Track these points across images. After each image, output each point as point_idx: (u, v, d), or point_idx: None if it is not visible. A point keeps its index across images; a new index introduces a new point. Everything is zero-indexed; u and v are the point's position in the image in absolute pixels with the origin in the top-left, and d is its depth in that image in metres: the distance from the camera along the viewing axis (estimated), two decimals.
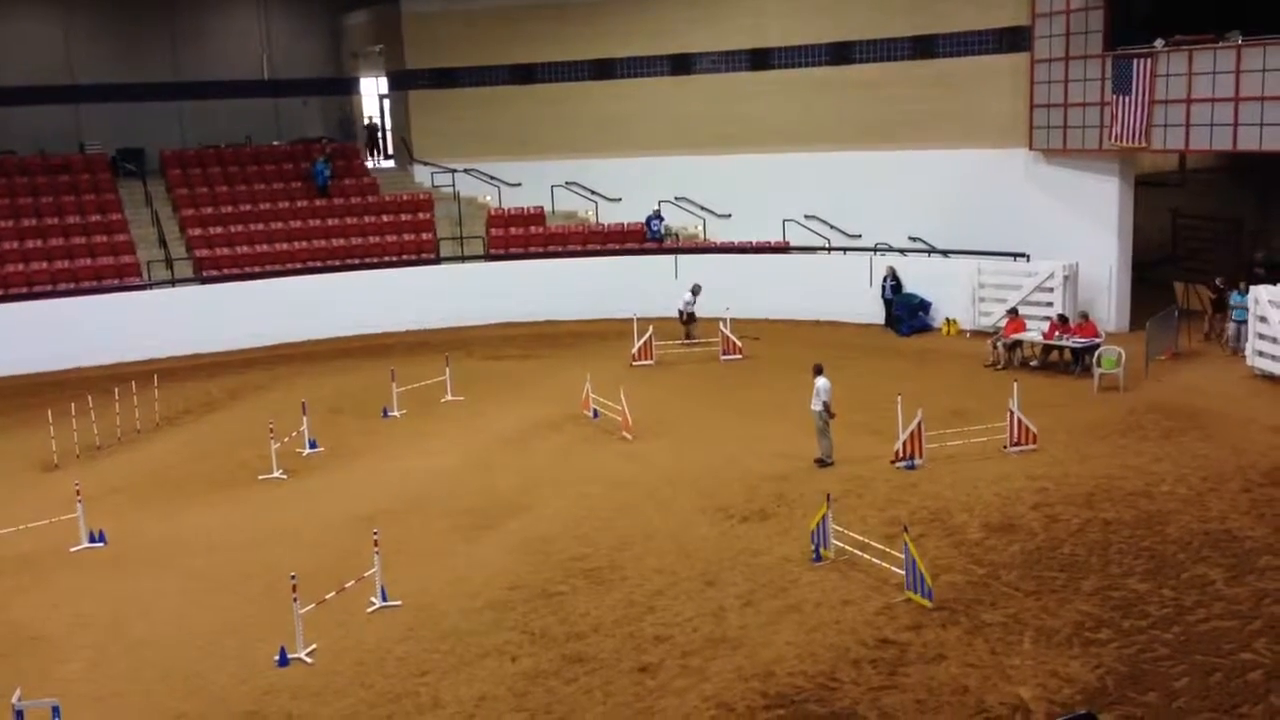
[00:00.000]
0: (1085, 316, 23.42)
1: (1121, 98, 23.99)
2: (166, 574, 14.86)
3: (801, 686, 11.29)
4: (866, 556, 14.00)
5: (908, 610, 12.76)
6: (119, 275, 28.46)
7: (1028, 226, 26.67)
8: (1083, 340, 22.58)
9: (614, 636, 12.55)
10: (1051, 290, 25.33)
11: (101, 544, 15.86)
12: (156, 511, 17.20)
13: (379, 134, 36.11)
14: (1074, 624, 12.26)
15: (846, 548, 14.24)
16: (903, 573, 13.22)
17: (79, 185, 30.92)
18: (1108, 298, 25.99)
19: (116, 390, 22.36)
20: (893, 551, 13.70)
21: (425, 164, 34.12)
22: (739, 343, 25.28)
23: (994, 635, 12.11)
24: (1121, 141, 24.23)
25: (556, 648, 12.38)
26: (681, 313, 26.67)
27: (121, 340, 27.12)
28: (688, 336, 26.39)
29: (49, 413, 20.30)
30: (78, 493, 16.06)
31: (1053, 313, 24.42)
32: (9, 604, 14.12)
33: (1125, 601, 12.73)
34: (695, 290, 26.68)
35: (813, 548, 14.31)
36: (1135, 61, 23.65)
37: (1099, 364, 21.56)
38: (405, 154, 35.27)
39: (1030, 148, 26.63)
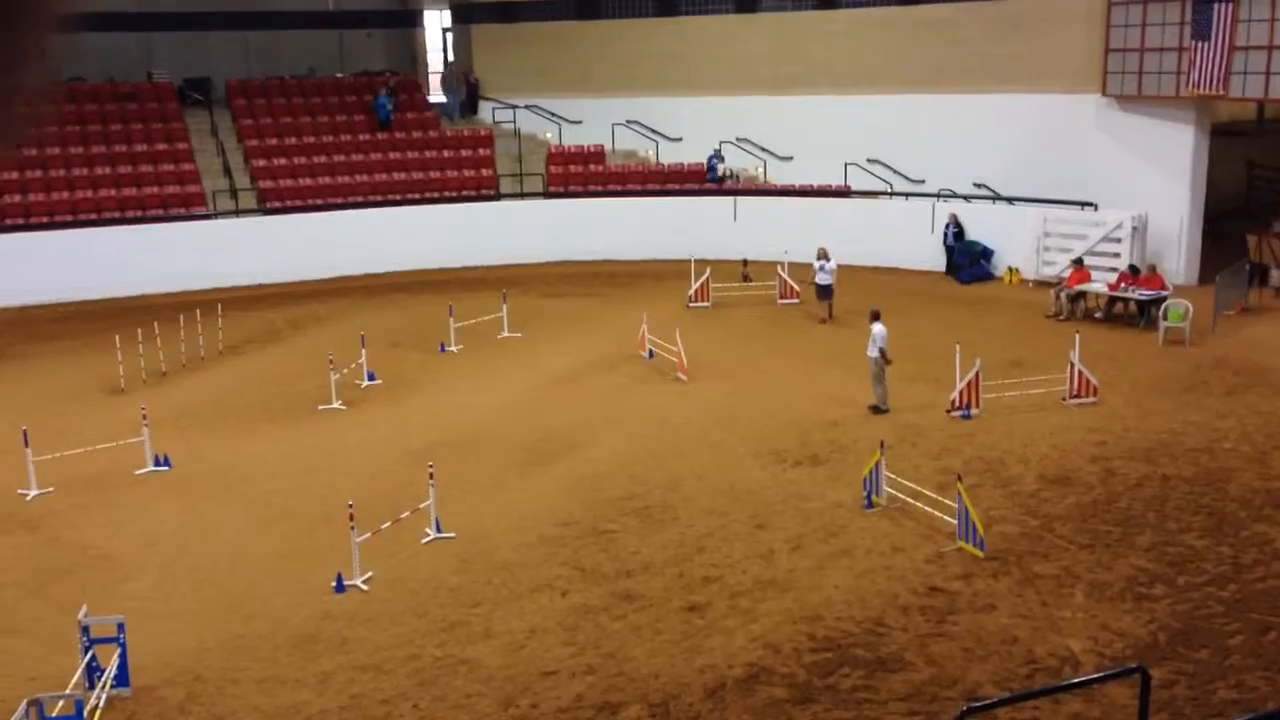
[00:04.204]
0: (1153, 268, 22.95)
1: (1200, 43, 23.28)
2: (228, 499, 15.21)
3: (849, 631, 11.34)
4: (919, 504, 13.96)
5: (959, 559, 12.73)
6: (185, 204, 28.84)
7: (1096, 174, 26.09)
8: (1149, 292, 22.14)
9: (663, 575, 12.67)
10: (1119, 241, 24.82)
11: (166, 468, 16.25)
12: (219, 437, 17.57)
13: (476, 87, 34.38)
14: (1127, 578, 12.16)
15: (899, 495, 14.21)
16: (955, 522, 13.17)
17: (146, 114, 31.27)
18: (1177, 249, 25.42)
19: (181, 318, 22.75)
20: (945, 500, 13.64)
21: (487, 99, 34.01)
22: (796, 287, 25.10)
23: (1045, 587, 12.05)
24: (1199, 89, 23.55)
25: (607, 584, 12.51)
26: (818, 286, 23.46)
27: (186, 268, 27.54)
28: (829, 315, 23.43)
29: (116, 338, 20.71)
30: (144, 417, 16.42)
31: (1120, 264, 23.95)
32: (77, 523, 14.55)
33: (1181, 558, 12.59)
34: (823, 255, 23.42)
35: (865, 494, 14.30)
36: (1216, 6, 22.88)
37: (1165, 317, 21.15)
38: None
39: (1104, 93, 25.95)
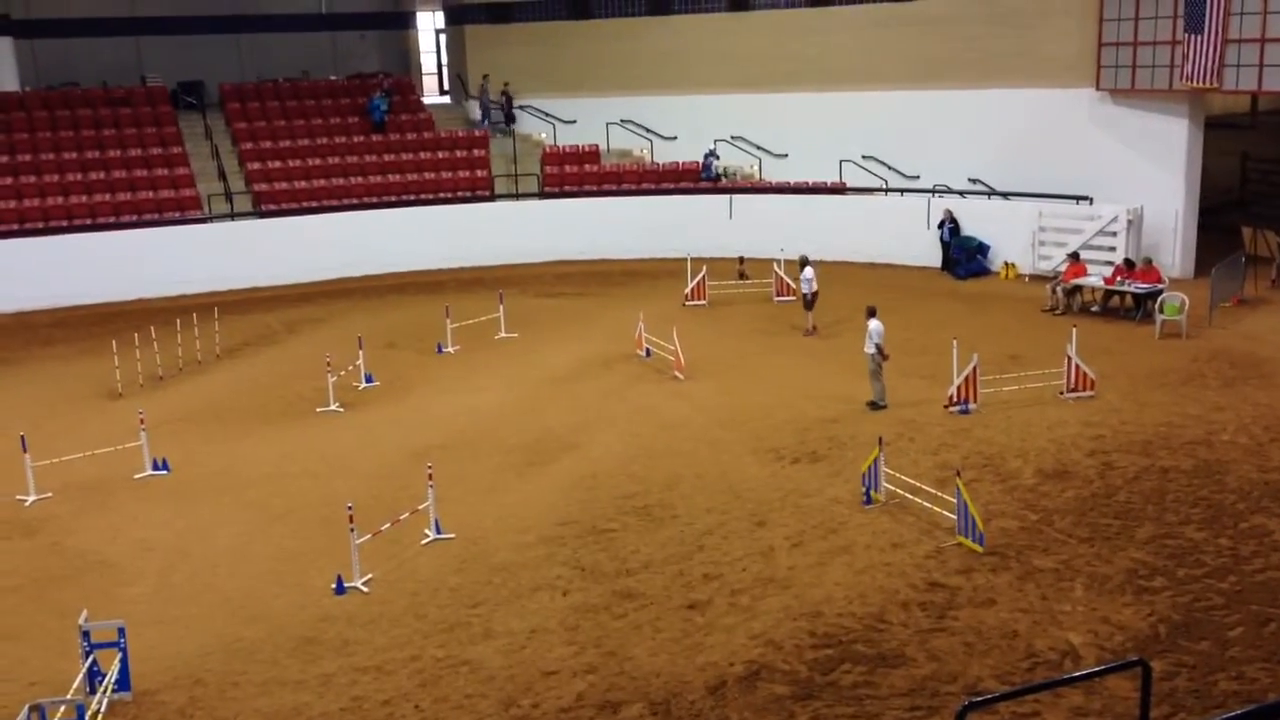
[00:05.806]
0: (1149, 262, 22.97)
1: (1193, 36, 23.30)
2: (227, 502, 15.19)
3: (850, 627, 11.34)
4: (917, 500, 13.96)
5: (958, 554, 12.74)
6: (180, 208, 28.80)
7: (1091, 168, 26.09)
8: (1145, 286, 22.17)
9: (663, 574, 12.67)
10: (1114, 234, 24.84)
11: (165, 471, 16.23)
12: (217, 441, 17.54)
13: (511, 99, 33.55)
14: (1127, 571, 12.17)
15: (897, 491, 14.21)
16: (954, 517, 13.18)
17: (140, 118, 31.22)
18: (1173, 242, 25.44)
19: (178, 321, 22.73)
20: (944, 495, 13.65)
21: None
22: (792, 284, 25.09)
23: (1045, 581, 12.06)
24: (1192, 82, 23.57)
25: (607, 583, 12.51)
26: (804, 295, 22.58)
27: (182, 272, 27.51)
28: (809, 328, 22.56)
29: (113, 342, 20.69)
30: (141, 421, 16.41)
31: (1116, 258, 23.97)
32: (76, 528, 14.53)
33: (1180, 550, 12.60)
34: (804, 263, 22.70)
35: (863, 490, 14.30)
36: None
37: (1161, 310, 21.17)
38: (461, 90, 35.16)
39: (1097, 87, 25.97)
